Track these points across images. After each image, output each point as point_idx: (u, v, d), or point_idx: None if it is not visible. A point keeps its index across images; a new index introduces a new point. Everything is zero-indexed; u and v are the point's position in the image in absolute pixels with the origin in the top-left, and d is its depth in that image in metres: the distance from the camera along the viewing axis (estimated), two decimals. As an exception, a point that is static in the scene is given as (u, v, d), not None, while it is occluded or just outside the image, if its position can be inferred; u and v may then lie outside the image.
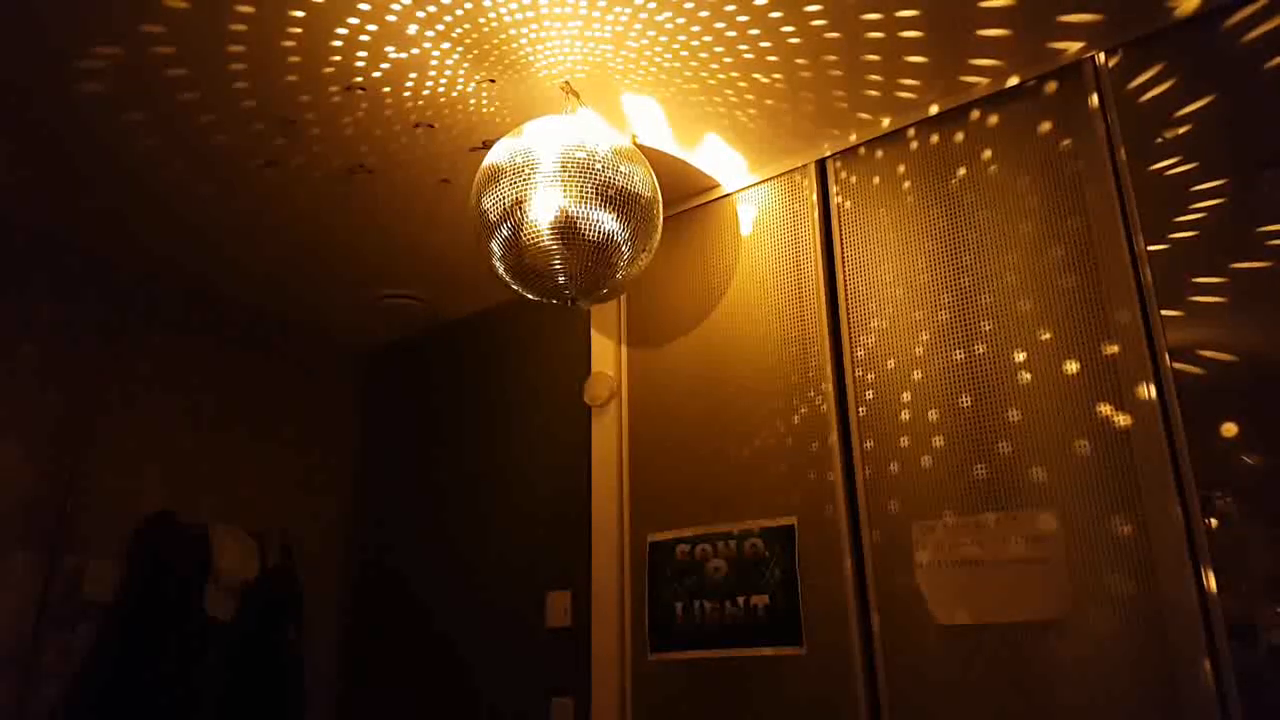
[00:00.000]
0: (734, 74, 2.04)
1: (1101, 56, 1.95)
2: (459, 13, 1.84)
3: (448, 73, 2.01)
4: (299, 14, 1.83)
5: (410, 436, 3.31)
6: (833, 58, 1.98)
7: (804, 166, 2.36)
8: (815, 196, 2.32)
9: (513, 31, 1.89)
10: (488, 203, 1.93)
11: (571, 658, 2.49)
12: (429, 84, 2.05)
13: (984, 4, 1.83)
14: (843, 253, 2.24)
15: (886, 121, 2.22)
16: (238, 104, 2.10)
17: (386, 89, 2.06)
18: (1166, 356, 1.73)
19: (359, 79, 2.02)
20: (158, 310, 2.90)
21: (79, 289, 2.70)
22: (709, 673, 2.16)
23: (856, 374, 2.13)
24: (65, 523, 2.50)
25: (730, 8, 1.83)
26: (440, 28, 1.88)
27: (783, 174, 2.40)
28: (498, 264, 1.98)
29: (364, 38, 1.89)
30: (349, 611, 3.23)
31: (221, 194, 2.47)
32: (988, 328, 1.97)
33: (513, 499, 2.87)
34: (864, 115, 2.19)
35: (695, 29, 1.90)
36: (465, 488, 3.03)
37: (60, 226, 2.61)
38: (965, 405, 1.96)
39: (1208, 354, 1.73)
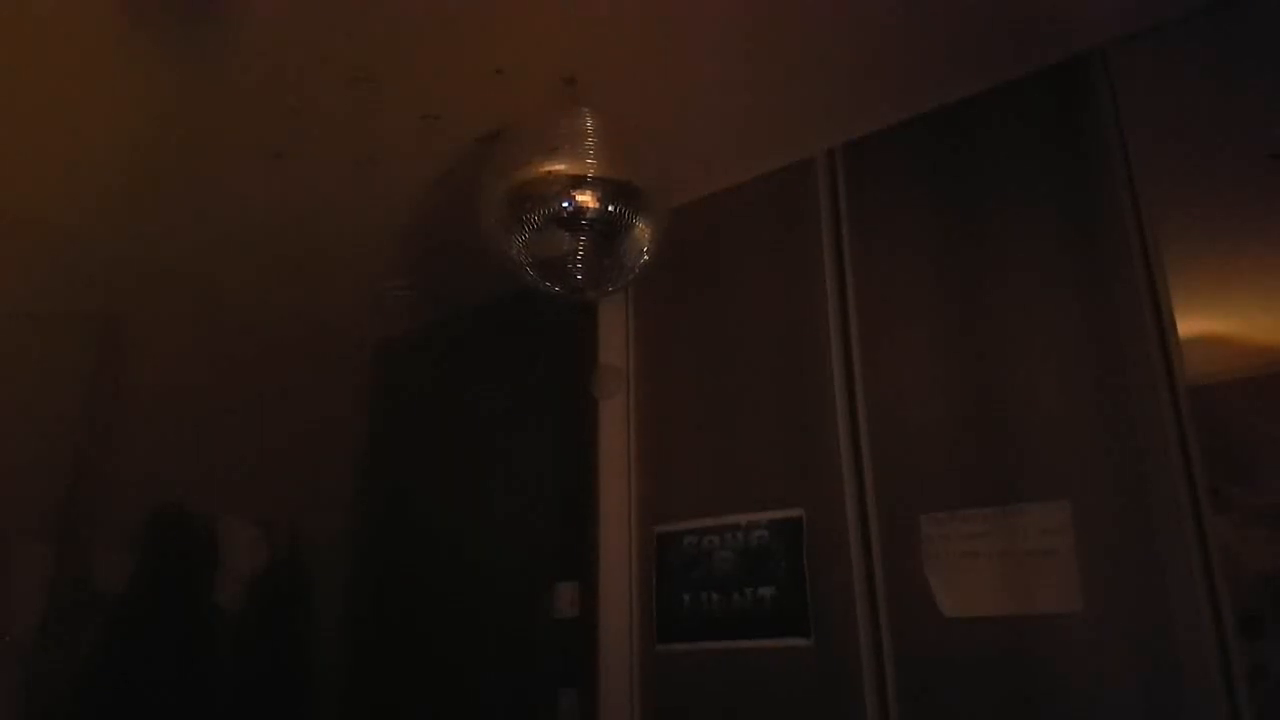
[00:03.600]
0: (742, 61, 2.03)
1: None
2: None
3: (455, 62, 2.01)
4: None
5: (418, 427, 3.31)
6: (842, 45, 1.97)
7: (813, 157, 2.34)
8: (824, 187, 2.31)
9: (522, 22, 1.89)
10: (497, 192, 1.93)
11: (578, 648, 2.49)
12: (436, 74, 2.04)
13: None
14: (852, 241, 2.23)
15: (895, 113, 2.20)
16: (245, 93, 2.10)
17: (393, 78, 2.05)
18: (1178, 349, 1.72)
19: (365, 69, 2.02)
20: (166, 300, 2.90)
21: (86, 279, 2.69)
22: (716, 664, 2.16)
23: (865, 364, 2.12)
24: (74, 513, 2.51)
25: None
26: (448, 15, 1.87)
27: (792, 163, 2.38)
28: (505, 253, 1.98)
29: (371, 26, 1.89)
30: (357, 601, 3.24)
31: (229, 184, 2.47)
32: (1000, 321, 1.96)
33: (520, 490, 2.87)
34: (871, 105, 2.18)
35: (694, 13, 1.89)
36: (473, 478, 3.03)
37: (68, 214, 2.61)
38: (974, 398, 1.95)
39: (1219, 346, 1.72)
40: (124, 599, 2.54)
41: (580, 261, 1.95)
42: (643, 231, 1.96)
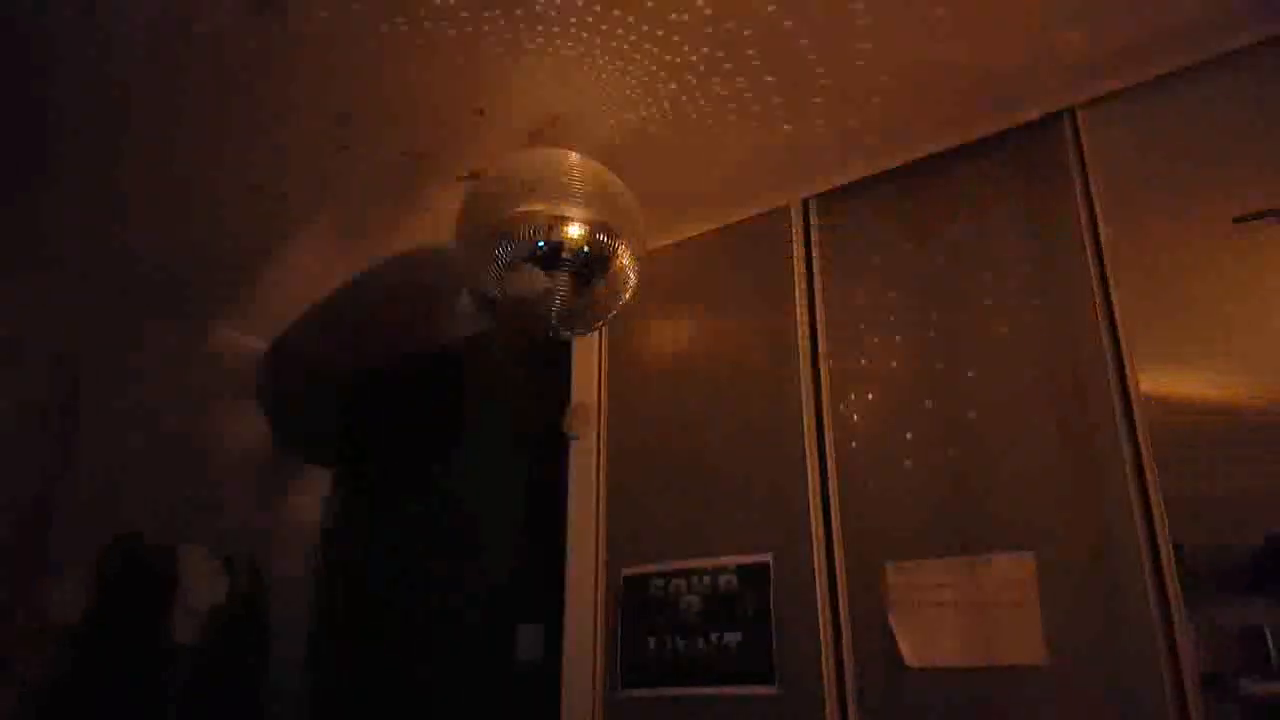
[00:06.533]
0: (718, 108, 2.06)
1: (1078, 110, 1.99)
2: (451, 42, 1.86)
3: (436, 101, 2.03)
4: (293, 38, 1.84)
5: (386, 463, 3.28)
6: (818, 100, 2.01)
7: (787, 205, 2.38)
8: (798, 235, 2.34)
9: (504, 63, 1.91)
10: (474, 229, 1.94)
11: (541, 692, 2.46)
12: (417, 112, 2.06)
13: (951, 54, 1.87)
14: (825, 292, 2.26)
15: (867, 166, 2.24)
16: (225, 125, 2.10)
17: (374, 116, 2.07)
18: (1140, 407, 1.75)
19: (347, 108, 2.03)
20: (132, 328, 2.87)
21: (52, 306, 2.67)
22: (680, 711, 2.13)
23: (835, 415, 2.14)
24: (30, 542, 2.46)
25: (708, 49, 1.86)
26: (430, 56, 1.89)
27: (767, 211, 2.41)
28: (480, 290, 1.98)
29: (355, 63, 1.91)
30: (316, 639, 3.18)
31: (201, 215, 2.46)
32: (967, 373, 1.98)
33: (487, 528, 2.85)
34: (845, 158, 2.22)
35: (677, 65, 1.92)
36: (439, 516, 3.00)
37: (34, 241, 2.58)
38: (941, 450, 1.97)
39: (1181, 404, 1.75)
40: (79, 630, 2.48)
41: (555, 301, 1.95)
42: (618, 273, 1.97)
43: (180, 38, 1.82)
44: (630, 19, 1.78)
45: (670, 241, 2.57)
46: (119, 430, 2.75)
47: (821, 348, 2.21)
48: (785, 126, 2.10)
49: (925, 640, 1.86)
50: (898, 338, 2.11)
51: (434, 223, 2.49)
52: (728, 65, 1.91)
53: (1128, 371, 1.77)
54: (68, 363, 2.66)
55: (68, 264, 2.68)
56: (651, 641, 2.22)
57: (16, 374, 2.55)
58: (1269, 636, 1.55)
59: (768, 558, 2.12)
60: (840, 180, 2.29)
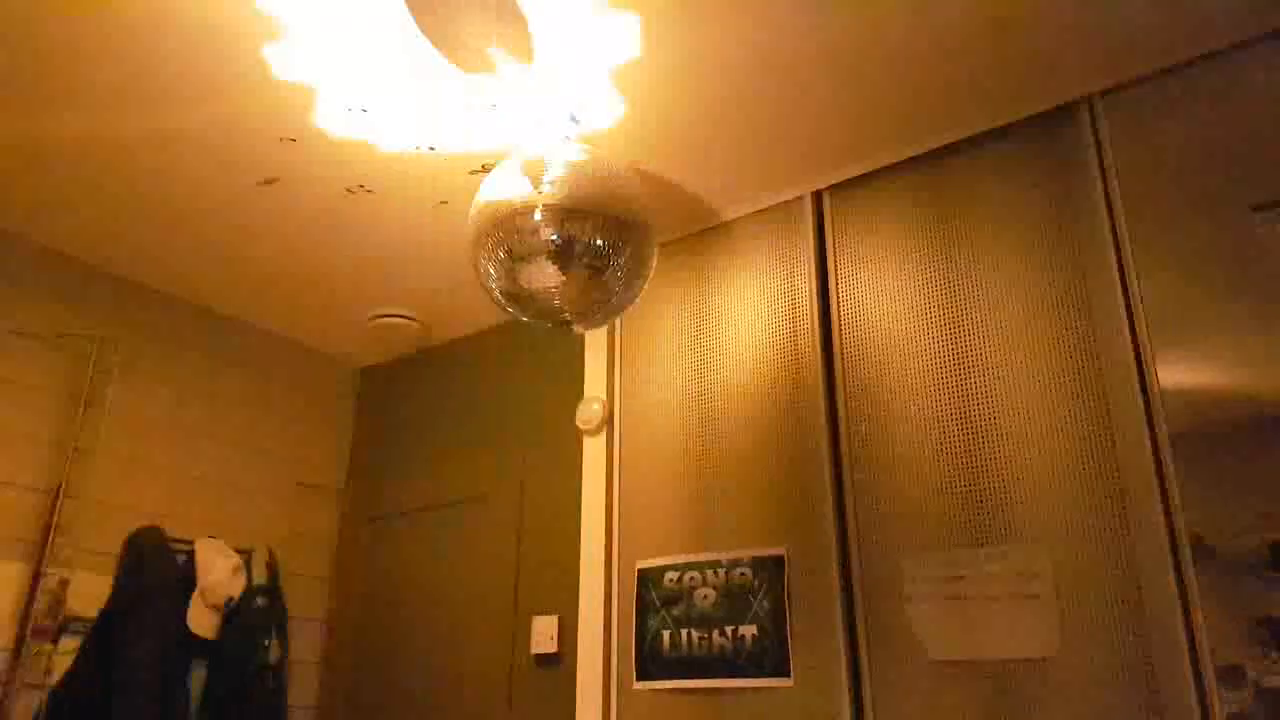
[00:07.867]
0: (732, 101, 2.06)
1: (1098, 99, 1.98)
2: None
3: (451, 96, 2.03)
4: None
5: (400, 456, 3.29)
6: (830, 89, 2.00)
7: (800, 197, 2.37)
8: (811, 227, 2.33)
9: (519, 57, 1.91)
10: (488, 223, 1.94)
11: (555, 684, 2.47)
12: (432, 107, 2.06)
13: (976, 45, 1.86)
14: (838, 284, 2.25)
15: (881, 156, 2.23)
16: (236, 121, 2.11)
17: (389, 109, 2.07)
18: (1160, 398, 1.74)
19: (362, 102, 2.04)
20: (151, 323, 2.90)
21: (73, 300, 2.69)
22: (695, 703, 2.14)
23: (850, 406, 2.13)
24: (51, 535, 2.48)
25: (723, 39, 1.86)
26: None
27: (780, 204, 2.41)
28: (494, 284, 1.98)
29: (368, 60, 1.91)
30: (332, 631, 3.20)
31: (219, 209, 2.47)
32: (982, 366, 1.98)
33: (501, 522, 2.85)
34: (859, 148, 2.21)
35: (692, 58, 1.92)
36: (453, 509, 3.01)
37: (59, 236, 2.61)
38: (958, 441, 1.96)
39: (1200, 395, 1.73)
40: (99, 622, 2.50)
41: (569, 294, 1.95)
42: (630, 267, 1.97)
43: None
44: (642, 11, 1.78)
45: (684, 234, 2.57)
46: (140, 422, 2.78)
47: (836, 338, 2.20)
48: (799, 117, 2.09)
49: (941, 633, 1.86)
50: (913, 327, 2.10)
51: (448, 216, 2.50)
52: (745, 59, 1.90)
53: (1146, 361, 1.76)
54: (94, 352, 2.68)
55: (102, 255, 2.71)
56: (666, 635, 2.23)
57: (43, 361, 2.57)
58: (1289, 628, 1.54)
59: (783, 550, 2.12)
60: (855, 170, 2.28)
